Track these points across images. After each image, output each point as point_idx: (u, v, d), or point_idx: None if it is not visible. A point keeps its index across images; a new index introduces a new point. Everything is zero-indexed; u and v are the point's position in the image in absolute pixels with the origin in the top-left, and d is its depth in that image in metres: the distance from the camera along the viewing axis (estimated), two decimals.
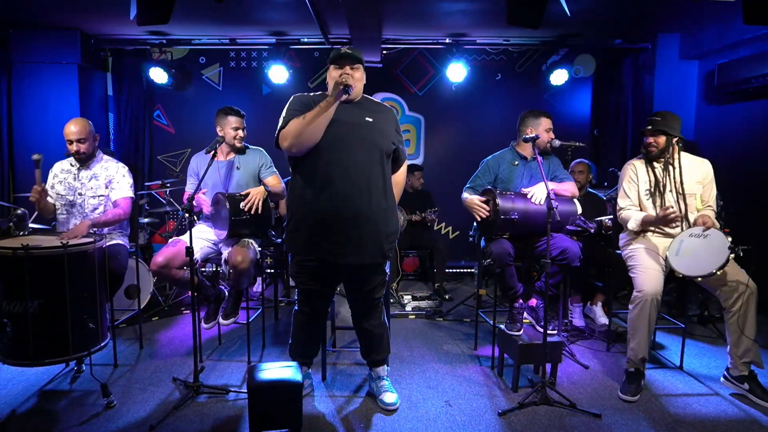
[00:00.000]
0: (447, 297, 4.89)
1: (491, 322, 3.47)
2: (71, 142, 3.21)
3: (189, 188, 3.39)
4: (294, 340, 2.87)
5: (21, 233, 2.98)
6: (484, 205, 3.18)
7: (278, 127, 2.48)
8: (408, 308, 4.50)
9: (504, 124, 5.82)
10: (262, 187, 3.27)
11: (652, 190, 3.13)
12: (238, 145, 3.38)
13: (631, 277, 3.02)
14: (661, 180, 3.12)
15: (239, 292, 3.29)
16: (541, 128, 3.27)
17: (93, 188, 3.29)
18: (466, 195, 3.36)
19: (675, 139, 3.09)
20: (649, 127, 3.11)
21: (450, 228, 6.04)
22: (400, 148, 2.69)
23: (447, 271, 5.41)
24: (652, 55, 5.05)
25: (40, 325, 2.54)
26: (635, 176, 3.18)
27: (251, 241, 3.25)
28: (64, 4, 4.27)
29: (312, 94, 2.59)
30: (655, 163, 3.14)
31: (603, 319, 4.03)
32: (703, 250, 2.81)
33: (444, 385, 3.05)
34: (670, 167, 3.11)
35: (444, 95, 5.87)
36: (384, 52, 5.33)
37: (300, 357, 2.86)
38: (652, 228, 3.11)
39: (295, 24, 4.85)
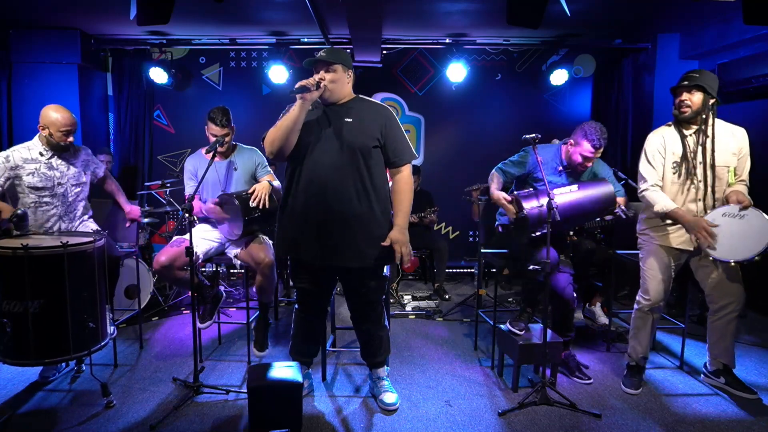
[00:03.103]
0: (447, 297, 4.89)
1: (491, 322, 3.46)
2: (68, 133, 3.07)
3: (189, 191, 3.36)
4: (294, 340, 2.88)
5: (21, 233, 2.97)
6: (512, 207, 2.99)
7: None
8: (408, 308, 4.50)
9: (504, 124, 5.83)
10: (266, 183, 3.26)
11: (680, 161, 2.80)
12: (222, 150, 3.27)
13: (641, 276, 2.98)
14: (690, 149, 2.78)
15: (266, 305, 3.31)
16: (577, 150, 3.05)
17: (75, 176, 3.21)
18: (494, 183, 3.14)
19: (712, 101, 2.76)
20: (685, 83, 2.77)
21: (450, 228, 6.03)
22: (391, 147, 2.55)
23: (447, 271, 5.40)
24: (652, 55, 5.05)
25: (40, 324, 2.54)
26: (662, 147, 2.84)
27: (263, 236, 3.27)
28: (64, 4, 4.26)
29: None
30: (685, 130, 2.82)
31: (603, 319, 4.03)
32: (740, 232, 2.59)
33: (444, 385, 3.05)
34: (702, 135, 2.77)
35: (444, 95, 5.86)
36: (384, 52, 5.32)
37: (300, 356, 2.87)
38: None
39: (295, 24, 4.85)
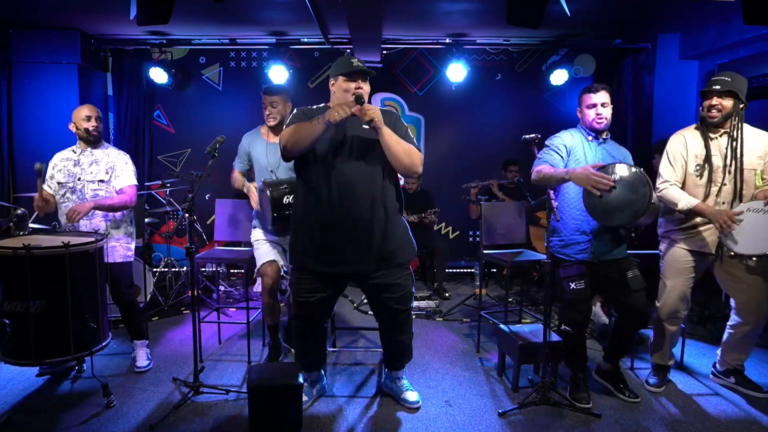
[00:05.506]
0: (447, 296, 4.90)
1: (495, 321, 3.46)
2: (89, 119, 3.13)
3: (237, 165, 3.31)
4: (300, 357, 2.82)
5: (21, 233, 2.98)
6: (606, 177, 2.58)
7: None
8: None
9: (504, 124, 5.84)
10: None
11: (702, 163, 2.74)
12: (270, 124, 3.23)
13: (659, 281, 2.96)
14: (716, 152, 2.73)
15: (275, 329, 3.30)
16: (582, 106, 2.89)
17: (93, 173, 3.16)
18: (548, 170, 2.78)
19: (741, 106, 2.72)
20: (717, 87, 2.69)
21: (450, 228, 6.04)
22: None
23: (447, 271, 5.41)
24: (652, 55, 5.05)
25: (41, 324, 2.54)
26: (685, 149, 2.79)
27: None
28: (64, 4, 4.26)
29: (315, 106, 2.59)
30: (711, 133, 2.77)
31: (603, 319, 4.03)
32: (764, 226, 2.53)
33: (444, 385, 3.05)
34: (729, 137, 2.72)
35: (444, 95, 5.86)
36: (384, 52, 5.32)
37: (311, 367, 2.84)
38: (699, 219, 2.77)
39: (295, 24, 4.85)
